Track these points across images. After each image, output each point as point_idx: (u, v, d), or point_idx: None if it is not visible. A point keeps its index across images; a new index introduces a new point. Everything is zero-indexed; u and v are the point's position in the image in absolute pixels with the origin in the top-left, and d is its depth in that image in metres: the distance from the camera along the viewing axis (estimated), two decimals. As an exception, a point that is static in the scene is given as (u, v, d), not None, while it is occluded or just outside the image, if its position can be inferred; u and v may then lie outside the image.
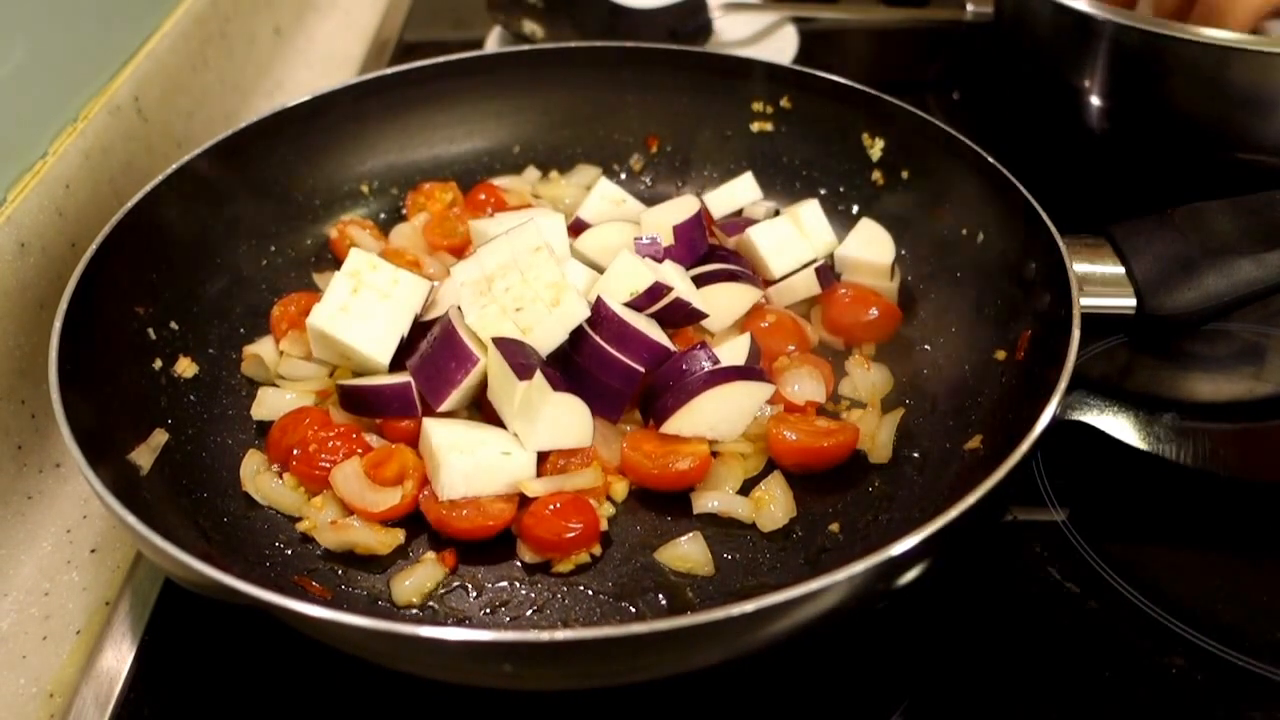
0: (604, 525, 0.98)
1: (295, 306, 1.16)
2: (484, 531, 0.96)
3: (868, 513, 0.99)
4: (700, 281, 1.13)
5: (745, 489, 1.02)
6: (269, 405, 1.09)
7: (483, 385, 1.03)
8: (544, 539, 0.95)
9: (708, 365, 1.02)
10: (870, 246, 1.22)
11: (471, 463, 0.96)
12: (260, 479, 1.02)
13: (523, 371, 0.97)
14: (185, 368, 1.10)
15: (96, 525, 1.06)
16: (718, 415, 1.02)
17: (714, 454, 1.03)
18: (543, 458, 1.00)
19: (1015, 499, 1.04)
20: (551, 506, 0.96)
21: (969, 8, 1.75)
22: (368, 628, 0.71)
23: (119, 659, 0.92)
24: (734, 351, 1.06)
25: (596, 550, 0.97)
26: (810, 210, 1.23)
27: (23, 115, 1.13)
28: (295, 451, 1.01)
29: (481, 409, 1.05)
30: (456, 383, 1.01)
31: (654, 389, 1.03)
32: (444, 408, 1.02)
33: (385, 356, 1.07)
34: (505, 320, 1.02)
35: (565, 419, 0.98)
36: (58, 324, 0.93)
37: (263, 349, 1.14)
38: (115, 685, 0.90)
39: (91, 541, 1.05)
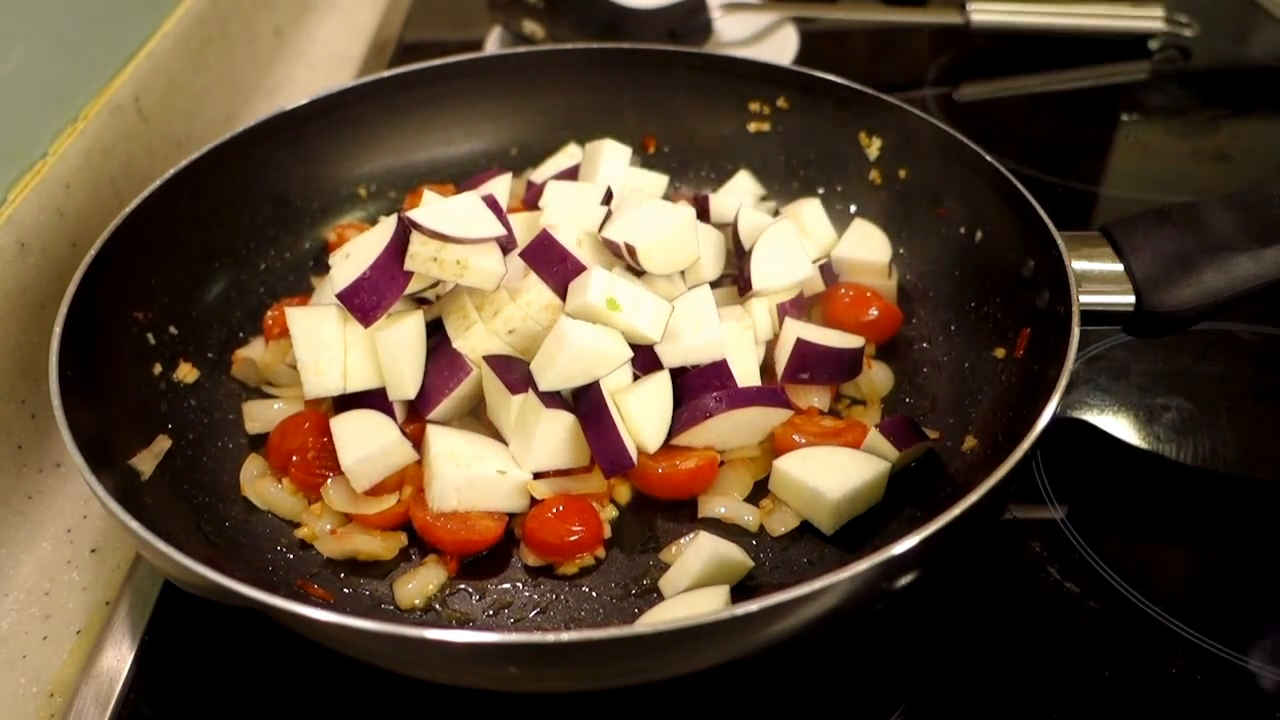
0: (607, 531, 0.98)
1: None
2: (468, 547, 0.96)
3: (868, 513, 0.99)
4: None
5: (755, 487, 1.02)
6: (260, 418, 1.08)
7: (478, 396, 1.03)
8: (547, 542, 0.94)
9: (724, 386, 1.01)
10: (866, 246, 1.21)
11: (465, 477, 0.95)
12: (260, 484, 1.01)
13: (515, 386, 0.97)
14: (186, 373, 1.10)
15: (97, 525, 1.06)
16: (731, 432, 1.01)
17: (721, 463, 1.02)
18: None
19: (1014, 497, 1.04)
20: (554, 510, 0.96)
21: (969, 7, 1.75)
22: (371, 630, 0.71)
23: (119, 659, 0.92)
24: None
25: (600, 553, 0.97)
26: (811, 210, 1.23)
27: (23, 115, 1.13)
28: (294, 458, 1.01)
29: (482, 422, 1.05)
30: (448, 391, 1.00)
31: (690, 381, 1.02)
32: (434, 416, 1.02)
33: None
34: (495, 339, 1.02)
35: (561, 437, 0.97)
36: (58, 329, 0.93)
37: (253, 351, 1.14)
38: (115, 685, 0.90)
39: (92, 541, 1.05)
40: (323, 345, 1.01)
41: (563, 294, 1.01)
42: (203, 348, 1.14)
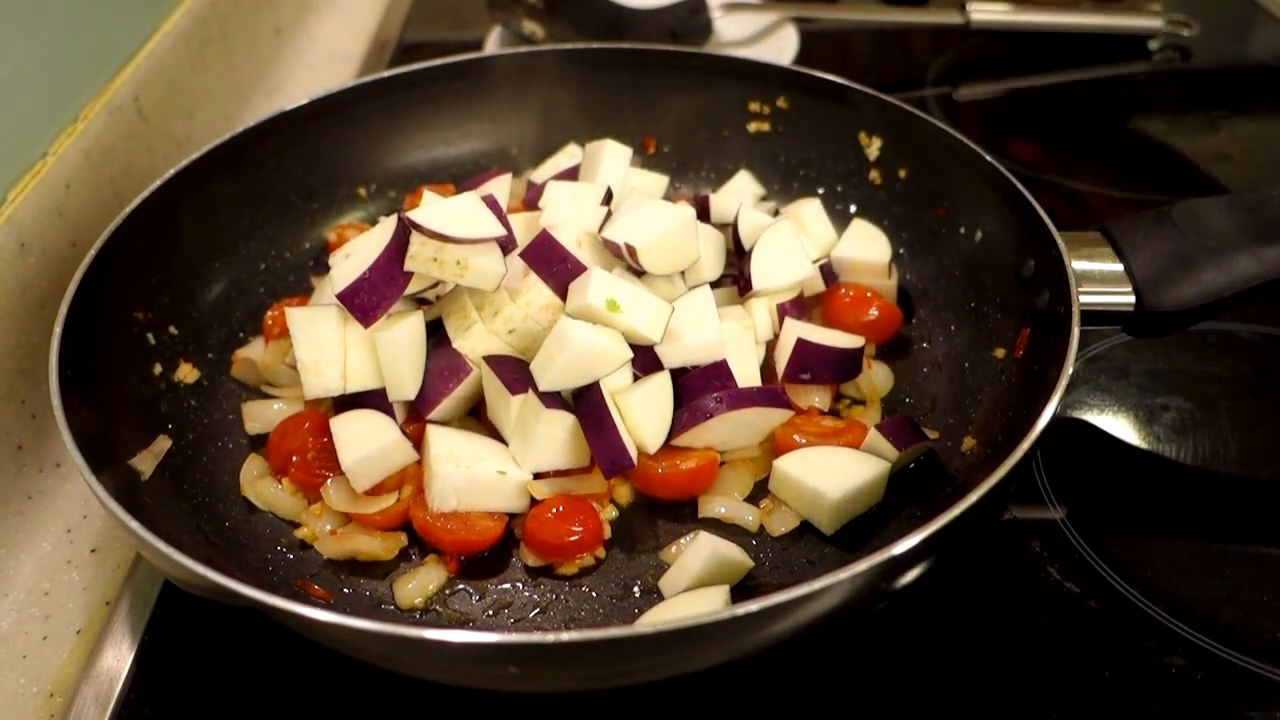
0: (607, 531, 0.98)
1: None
2: (468, 547, 0.96)
3: (867, 510, 0.99)
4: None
5: (755, 487, 1.02)
6: (260, 418, 1.08)
7: (478, 396, 1.03)
8: (547, 542, 0.94)
9: (725, 387, 1.00)
10: (866, 246, 1.21)
11: (465, 477, 0.95)
12: (260, 484, 1.01)
13: (515, 386, 0.97)
14: (186, 373, 1.10)
15: (96, 525, 1.06)
16: (731, 433, 1.01)
17: (721, 463, 1.03)
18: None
19: (1014, 497, 1.04)
20: (554, 510, 0.96)
21: (969, 8, 1.75)
22: (371, 630, 0.71)
23: (119, 659, 0.92)
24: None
25: (600, 553, 0.97)
26: (811, 210, 1.23)
27: (23, 115, 1.13)
28: (294, 458, 1.01)
29: (483, 422, 1.05)
30: (448, 391, 1.00)
31: (691, 382, 1.01)
32: (434, 416, 1.02)
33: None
34: (494, 339, 1.02)
35: (561, 437, 0.97)
36: (58, 329, 0.93)
37: (253, 352, 1.14)
38: (115, 685, 0.90)
39: (92, 541, 1.05)
40: (323, 345, 1.01)
41: (563, 294, 1.01)
42: (203, 348, 1.14)
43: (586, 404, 0.96)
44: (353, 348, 1.01)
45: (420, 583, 0.93)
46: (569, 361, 0.95)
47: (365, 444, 0.96)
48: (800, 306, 1.12)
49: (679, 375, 1.01)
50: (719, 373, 1.01)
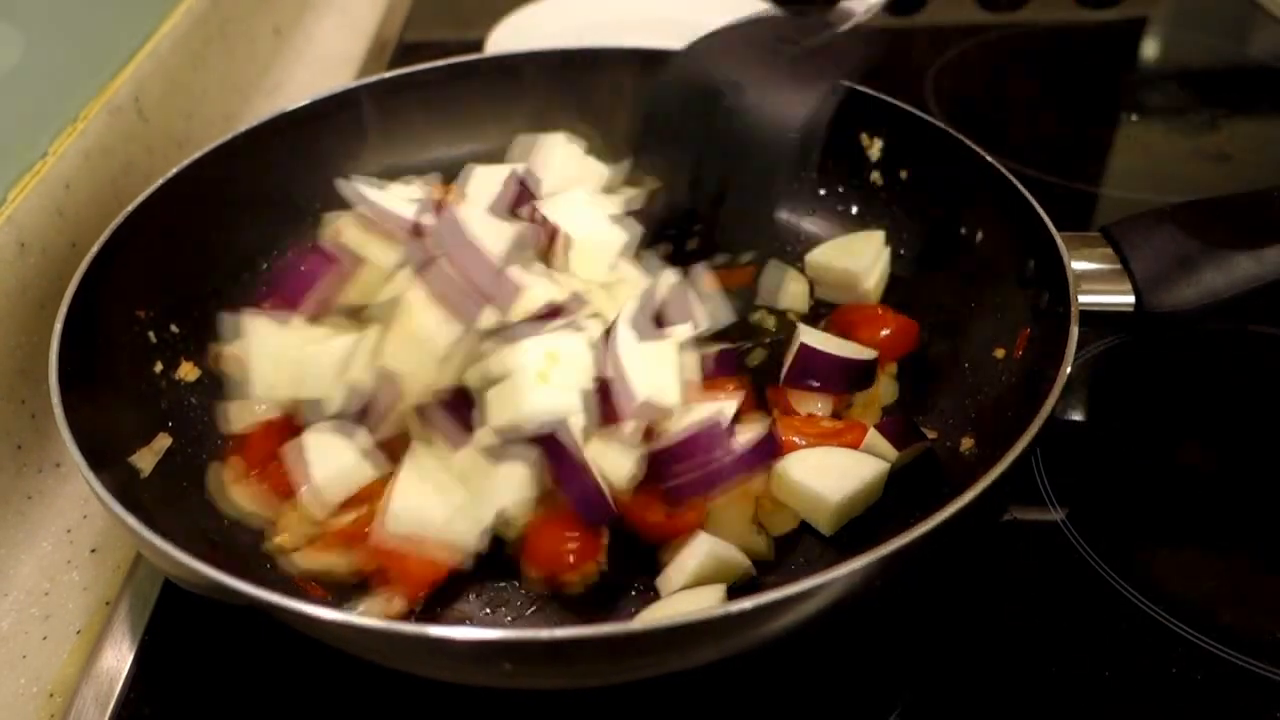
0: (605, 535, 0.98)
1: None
2: (422, 583, 0.91)
3: (866, 511, 0.99)
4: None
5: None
6: (242, 419, 1.05)
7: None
8: (545, 551, 0.92)
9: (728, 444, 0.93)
10: (847, 255, 1.22)
11: (420, 512, 0.89)
12: (233, 489, 0.98)
13: (459, 434, 0.91)
14: (187, 371, 1.10)
15: (97, 525, 1.06)
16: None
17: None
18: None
19: (1014, 498, 1.04)
20: (548, 529, 0.92)
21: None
22: (371, 628, 0.71)
23: (119, 659, 0.92)
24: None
25: (602, 559, 0.95)
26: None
27: (23, 115, 1.13)
28: (264, 469, 0.98)
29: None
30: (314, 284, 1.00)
31: (667, 456, 0.93)
32: (303, 311, 0.99)
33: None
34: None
35: (523, 473, 0.89)
36: (58, 327, 0.93)
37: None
38: (115, 685, 0.90)
39: (92, 541, 1.05)
40: (265, 353, 0.99)
41: (472, 285, 0.95)
42: (203, 346, 1.13)
43: (552, 448, 0.87)
44: (289, 356, 0.98)
45: (419, 583, 0.93)
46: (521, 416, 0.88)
47: (326, 464, 0.92)
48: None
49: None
50: (707, 444, 0.92)
